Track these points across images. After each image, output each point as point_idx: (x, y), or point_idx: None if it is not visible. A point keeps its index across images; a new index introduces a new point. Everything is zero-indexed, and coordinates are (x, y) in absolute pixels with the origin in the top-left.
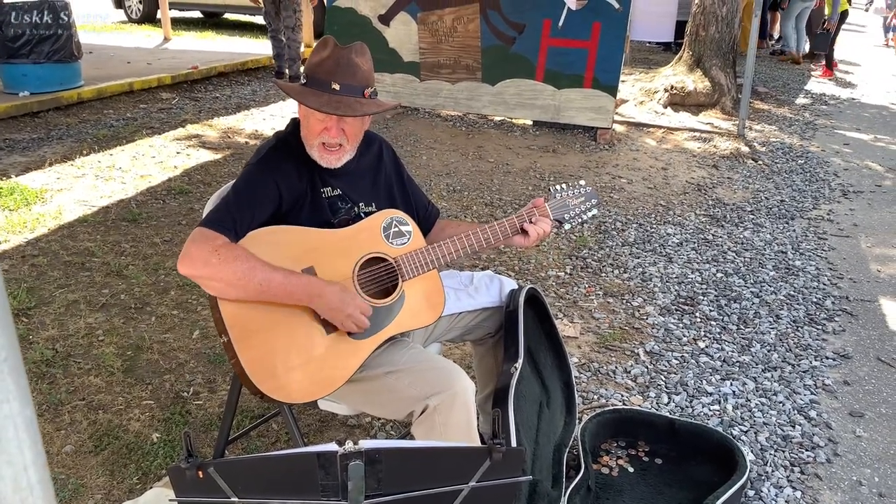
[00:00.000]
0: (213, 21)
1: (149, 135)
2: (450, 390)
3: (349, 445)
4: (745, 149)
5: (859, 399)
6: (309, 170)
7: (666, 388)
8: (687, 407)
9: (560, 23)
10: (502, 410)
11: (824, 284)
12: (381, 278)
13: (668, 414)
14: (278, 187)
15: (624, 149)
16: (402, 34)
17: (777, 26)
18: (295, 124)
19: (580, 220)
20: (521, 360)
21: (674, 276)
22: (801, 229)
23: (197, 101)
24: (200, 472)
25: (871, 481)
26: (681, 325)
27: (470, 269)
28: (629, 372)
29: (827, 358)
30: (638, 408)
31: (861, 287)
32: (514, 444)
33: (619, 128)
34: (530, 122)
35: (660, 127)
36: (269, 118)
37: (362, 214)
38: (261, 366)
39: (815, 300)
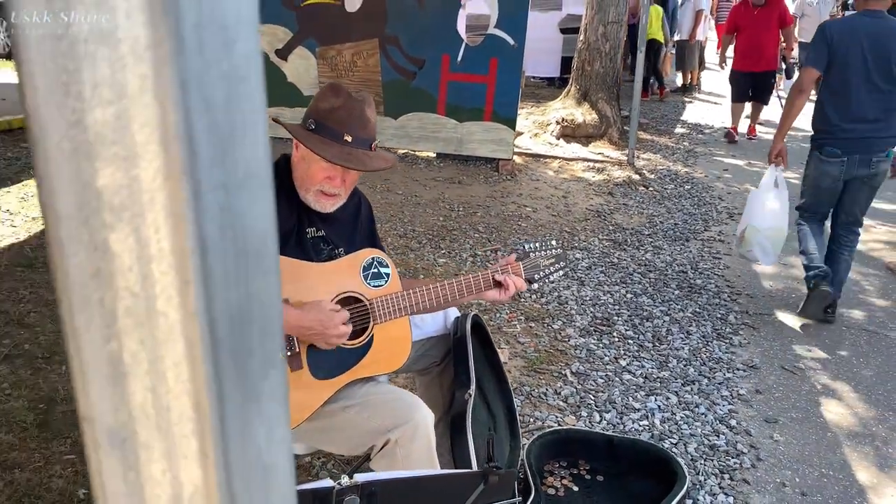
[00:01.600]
0: None
1: None
2: (410, 422)
3: (344, 480)
4: (636, 176)
5: (771, 406)
6: (298, 208)
7: (596, 406)
8: (618, 424)
9: (458, 58)
10: (462, 437)
11: (725, 301)
12: (353, 318)
13: (603, 431)
14: None
15: (525, 179)
16: (301, 69)
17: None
18: (286, 161)
19: (547, 281)
20: (473, 386)
21: (587, 298)
22: (696, 250)
23: None
24: None
25: (792, 482)
26: (601, 345)
27: None
28: (559, 393)
29: (737, 369)
30: (577, 427)
31: (758, 302)
32: (475, 467)
33: (517, 159)
34: (434, 155)
35: (556, 157)
36: None
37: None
38: None
39: (719, 316)
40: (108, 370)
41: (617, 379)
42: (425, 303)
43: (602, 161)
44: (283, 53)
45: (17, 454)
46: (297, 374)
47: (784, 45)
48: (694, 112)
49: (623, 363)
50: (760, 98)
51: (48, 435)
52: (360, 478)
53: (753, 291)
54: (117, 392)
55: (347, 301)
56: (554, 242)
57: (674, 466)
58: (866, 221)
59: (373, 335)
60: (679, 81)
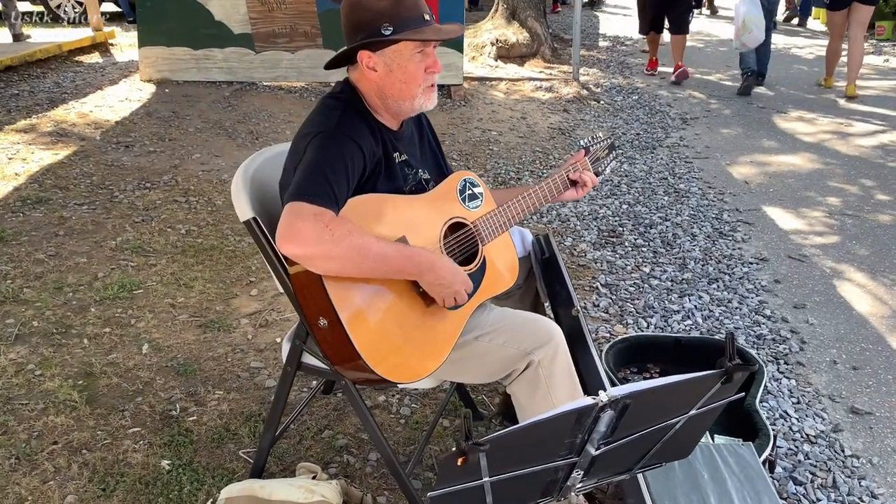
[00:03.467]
0: None
1: None
2: (551, 342)
3: (603, 396)
4: (584, 92)
5: (794, 293)
6: (381, 134)
7: (637, 312)
8: (665, 326)
9: None
10: (586, 351)
11: (713, 201)
12: (463, 244)
13: (669, 333)
14: (363, 152)
15: (479, 103)
16: (228, 5)
17: None
18: (351, 89)
19: (607, 172)
20: (577, 303)
21: (587, 213)
22: (666, 157)
23: None
24: (461, 460)
25: (840, 359)
26: (617, 256)
27: None
28: (598, 305)
29: (750, 263)
30: (644, 333)
31: (742, 199)
32: (606, 381)
33: (465, 84)
34: None
35: (501, 79)
36: (95, 109)
37: (422, 181)
38: (374, 346)
39: (713, 216)
40: None
41: (647, 285)
42: (520, 214)
43: (548, 79)
44: None
45: (79, 434)
46: (433, 308)
47: None
48: (609, 25)
49: (646, 270)
50: (676, 28)
51: (102, 411)
52: (615, 392)
53: (734, 189)
54: None
55: (454, 227)
56: (601, 134)
57: (747, 356)
58: (811, 115)
59: (485, 256)
60: None
